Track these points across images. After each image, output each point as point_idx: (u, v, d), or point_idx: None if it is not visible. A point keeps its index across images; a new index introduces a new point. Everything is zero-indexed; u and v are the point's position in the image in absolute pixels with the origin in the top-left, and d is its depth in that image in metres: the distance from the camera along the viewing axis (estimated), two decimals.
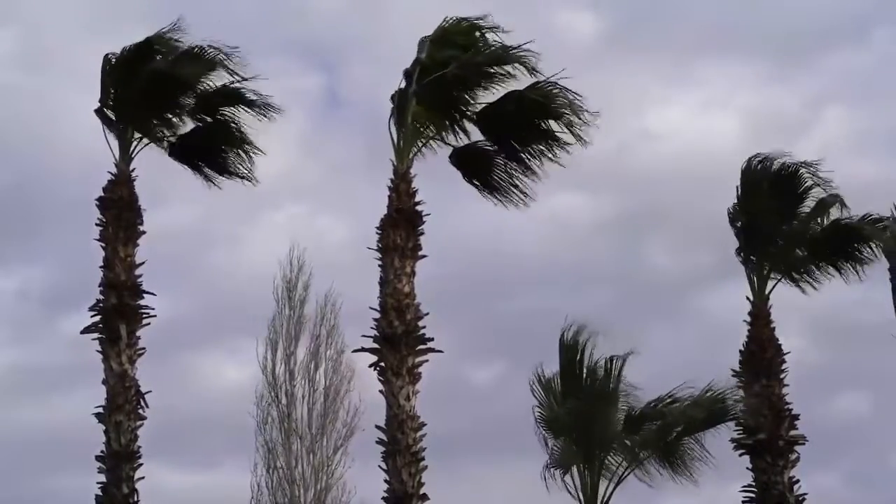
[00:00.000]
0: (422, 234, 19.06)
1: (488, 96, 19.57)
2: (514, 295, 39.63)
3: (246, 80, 19.80)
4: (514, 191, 20.14)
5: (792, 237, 21.07)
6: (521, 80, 19.34)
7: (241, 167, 20.68)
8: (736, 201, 21.14)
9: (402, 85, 19.41)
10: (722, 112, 44.35)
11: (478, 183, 20.24)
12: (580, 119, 19.09)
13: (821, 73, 44.61)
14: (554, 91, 19.17)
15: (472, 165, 20.17)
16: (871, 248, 20.98)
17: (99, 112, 20.04)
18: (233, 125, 20.47)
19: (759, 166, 21.08)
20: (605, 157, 38.74)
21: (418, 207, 19.10)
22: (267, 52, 38.93)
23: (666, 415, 20.00)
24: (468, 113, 19.69)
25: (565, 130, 19.32)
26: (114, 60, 19.89)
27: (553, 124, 19.45)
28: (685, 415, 19.91)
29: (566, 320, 20.36)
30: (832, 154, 38.61)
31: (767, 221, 20.85)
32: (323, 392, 31.58)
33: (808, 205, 21.20)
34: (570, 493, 19.79)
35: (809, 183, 21.07)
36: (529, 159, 19.82)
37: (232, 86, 20.14)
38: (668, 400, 20.18)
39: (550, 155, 19.64)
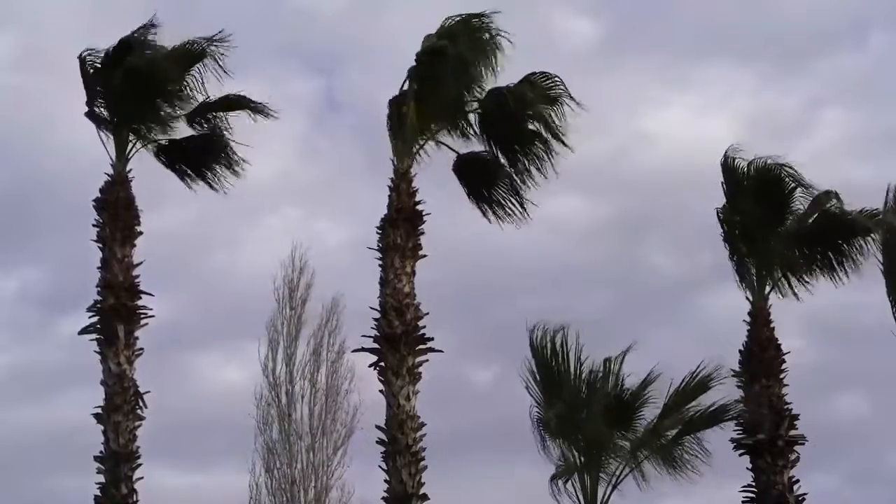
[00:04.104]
0: (422, 233, 19.08)
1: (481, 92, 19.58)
2: (513, 296, 39.56)
3: (226, 70, 19.88)
4: (516, 206, 20.11)
5: (785, 236, 21.00)
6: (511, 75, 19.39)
7: (223, 178, 20.77)
8: (725, 201, 21.09)
9: (404, 83, 19.42)
10: (719, 114, 44.37)
11: (479, 199, 20.19)
12: (568, 108, 19.11)
13: (818, 76, 44.63)
14: (543, 82, 19.17)
15: (475, 178, 20.10)
16: (863, 242, 20.89)
17: (89, 114, 20.05)
18: (224, 133, 20.54)
19: (738, 163, 20.99)
20: (603, 160, 38.81)
21: (419, 207, 19.12)
22: (266, 55, 39.06)
23: (640, 397, 19.94)
24: (465, 111, 19.65)
25: (556, 121, 19.31)
26: (97, 60, 19.96)
27: (545, 116, 19.43)
28: (674, 403, 19.88)
29: (532, 323, 20.19)
30: (830, 157, 38.83)
31: (757, 222, 20.79)
32: (324, 392, 31.58)
33: (796, 204, 21.12)
34: (574, 500, 19.72)
35: (793, 184, 20.99)
36: (525, 159, 19.76)
37: (234, 93, 20.23)
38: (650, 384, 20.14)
39: (545, 151, 19.58)
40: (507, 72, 19.51)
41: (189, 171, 20.84)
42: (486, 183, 20.17)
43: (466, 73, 19.22)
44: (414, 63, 19.18)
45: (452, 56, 19.00)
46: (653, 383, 19.98)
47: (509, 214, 20.21)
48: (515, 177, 19.98)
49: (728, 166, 20.92)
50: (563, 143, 19.45)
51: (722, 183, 20.98)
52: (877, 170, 37.36)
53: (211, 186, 20.83)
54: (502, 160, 19.99)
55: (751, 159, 20.85)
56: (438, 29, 19.24)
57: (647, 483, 20.12)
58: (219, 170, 20.71)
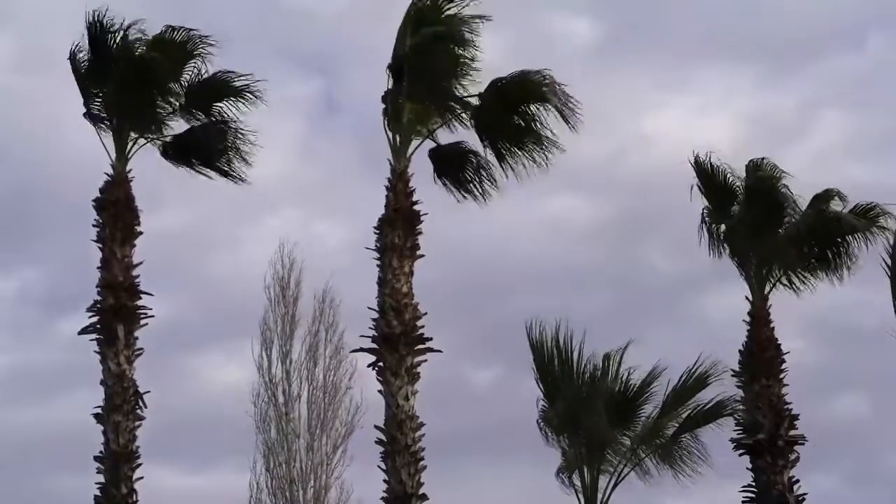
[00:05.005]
0: (420, 233, 19.05)
1: (475, 86, 19.52)
2: (512, 296, 39.62)
3: (210, 44, 19.84)
4: (480, 185, 20.09)
5: (784, 235, 21.01)
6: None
7: (231, 166, 20.70)
8: (708, 205, 21.08)
9: (391, 82, 19.41)
10: (718, 115, 44.38)
11: (447, 180, 20.14)
12: (566, 108, 19.01)
13: (817, 78, 44.63)
14: (538, 78, 19.07)
15: (445, 162, 20.06)
16: (861, 240, 20.88)
17: (87, 114, 20.07)
18: (226, 121, 20.51)
19: (716, 167, 21.02)
20: (603, 160, 38.89)
21: (416, 207, 19.09)
22: (265, 56, 39.04)
23: (642, 395, 20.02)
24: (459, 106, 19.59)
25: (551, 119, 19.31)
26: (86, 59, 19.95)
27: (539, 114, 19.41)
28: (673, 400, 19.94)
29: (530, 322, 20.25)
30: (828, 157, 38.84)
31: (752, 223, 20.80)
32: (322, 390, 31.51)
33: (790, 205, 21.13)
34: (577, 494, 19.76)
35: (783, 186, 21.00)
36: (519, 155, 19.74)
37: (218, 77, 20.20)
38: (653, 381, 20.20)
39: (541, 149, 19.57)
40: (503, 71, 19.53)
41: (199, 164, 20.79)
42: (456, 164, 20.10)
43: (454, 57, 19.15)
44: (393, 61, 19.17)
45: (438, 42, 18.95)
46: (657, 380, 20.07)
47: (474, 193, 20.19)
48: (488, 164, 19.98)
49: (701, 170, 20.95)
50: (555, 140, 19.45)
51: (698, 185, 21.00)
52: (875, 171, 37.47)
53: (224, 175, 20.75)
54: (489, 152, 19.90)
55: (744, 161, 20.95)
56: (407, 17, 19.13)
57: (649, 480, 20.20)
58: (229, 156, 20.65)
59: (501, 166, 19.81)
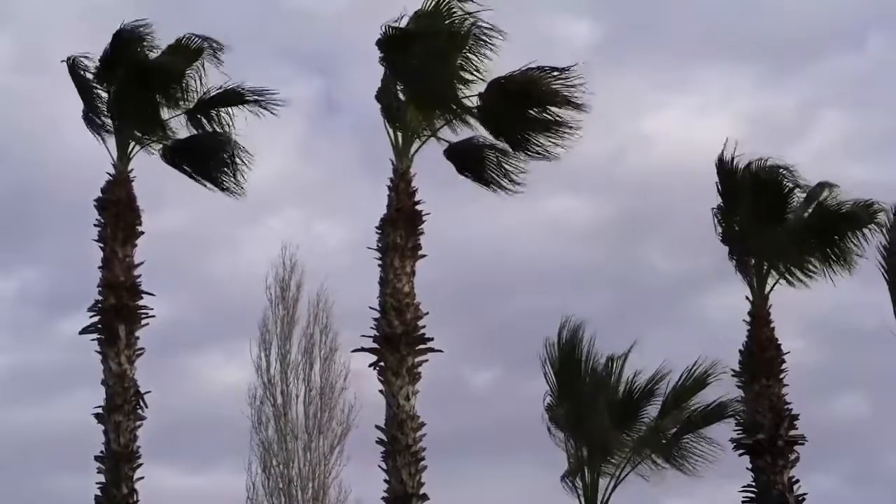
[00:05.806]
0: (422, 233, 19.04)
1: (479, 85, 19.41)
2: (512, 297, 39.69)
3: (220, 52, 19.82)
4: (506, 179, 19.96)
5: (783, 233, 21.03)
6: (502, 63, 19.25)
7: (229, 179, 20.71)
8: (720, 201, 21.10)
9: (394, 80, 19.37)
10: (719, 115, 44.41)
11: (470, 174, 20.04)
12: (574, 99, 18.97)
13: (817, 78, 44.68)
14: (543, 75, 19.00)
15: (465, 158, 19.97)
16: (859, 236, 20.88)
17: (86, 118, 20.09)
18: (225, 133, 20.52)
19: (735, 163, 21.00)
20: (603, 160, 38.93)
21: (418, 207, 19.08)
22: (265, 57, 39.06)
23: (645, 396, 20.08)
24: (463, 105, 19.45)
25: (560, 114, 19.22)
26: (88, 63, 19.99)
27: (547, 109, 19.33)
28: (673, 400, 19.99)
29: (562, 321, 20.33)
30: (828, 157, 38.86)
31: (755, 222, 20.80)
32: (318, 391, 31.59)
33: (794, 203, 21.13)
34: (577, 494, 19.80)
35: (790, 184, 21.02)
36: (528, 150, 19.68)
37: (230, 87, 20.19)
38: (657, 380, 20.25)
39: (549, 143, 19.51)
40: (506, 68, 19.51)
41: (195, 173, 20.82)
42: (476, 159, 19.97)
43: (448, 58, 19.06)
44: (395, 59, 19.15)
45: (428, 40, 18.86)
46: (660, 382, 20.11)
47: (501, 186, 20.02)
48: (509, 159, 19.91)
49: (723, 166, 20.95)
50: (564, 137, 19.38)
51: (716, 183, 21.02)
52: (875, 170, 37.44)
53: (219, 187, 20.78)
54: (503, 146, 19.82)
55: (749, 160, 20.91)
56: (411, 16, 19.02)
57: (650, 480, 20.25)
58: (226, 170, 20.66)
59: (518, 156, 19.70)
